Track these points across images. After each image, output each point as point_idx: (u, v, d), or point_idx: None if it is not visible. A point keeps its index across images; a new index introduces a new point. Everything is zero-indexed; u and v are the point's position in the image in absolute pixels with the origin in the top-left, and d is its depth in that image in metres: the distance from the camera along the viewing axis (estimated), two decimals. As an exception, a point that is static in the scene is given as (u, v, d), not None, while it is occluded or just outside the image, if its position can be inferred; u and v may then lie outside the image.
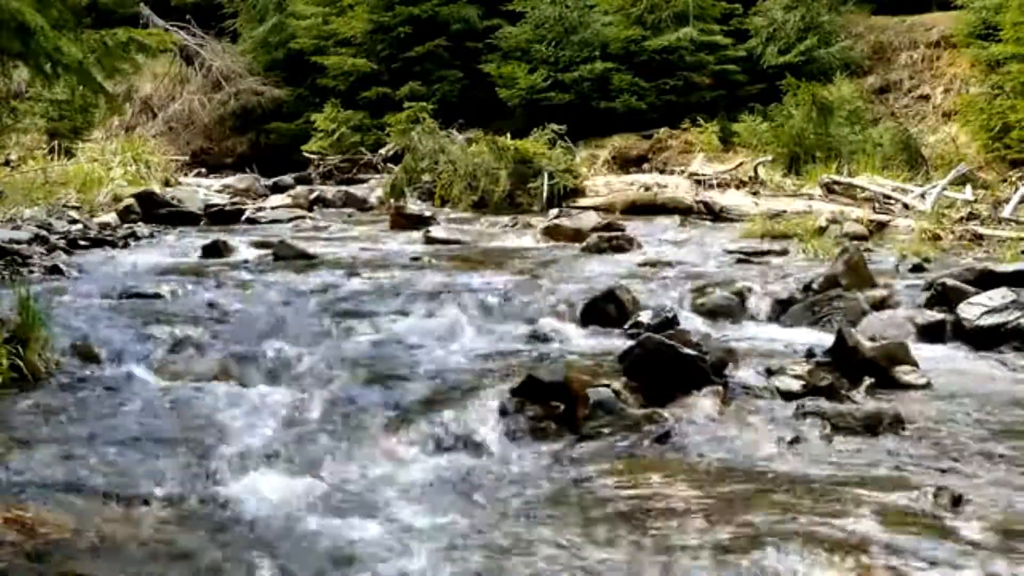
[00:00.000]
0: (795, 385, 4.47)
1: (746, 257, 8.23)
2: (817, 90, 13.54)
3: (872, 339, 4.97)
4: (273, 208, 12.49)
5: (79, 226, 9.82)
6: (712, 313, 6.15)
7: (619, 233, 9.27)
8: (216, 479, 3.57)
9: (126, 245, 9.30)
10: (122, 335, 5.33)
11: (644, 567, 2.90)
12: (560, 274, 7.52)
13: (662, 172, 14.36)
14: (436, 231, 9.94)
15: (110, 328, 5.49)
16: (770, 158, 13.06)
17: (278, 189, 15.20)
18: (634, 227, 10.08)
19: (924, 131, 14.83)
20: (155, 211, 11.24)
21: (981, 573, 2.81)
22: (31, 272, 7.29)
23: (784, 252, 8.50)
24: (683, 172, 13.67)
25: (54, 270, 7.46)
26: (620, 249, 8.73)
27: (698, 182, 12.79)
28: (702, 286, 6.65)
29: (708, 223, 11.20)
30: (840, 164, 12.47)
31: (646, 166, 15.54)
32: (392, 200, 12.59)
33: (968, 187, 10.65)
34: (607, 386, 4.31)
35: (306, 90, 19.32)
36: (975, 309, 5.58)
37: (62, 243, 8.74)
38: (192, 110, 20.01)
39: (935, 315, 5.77)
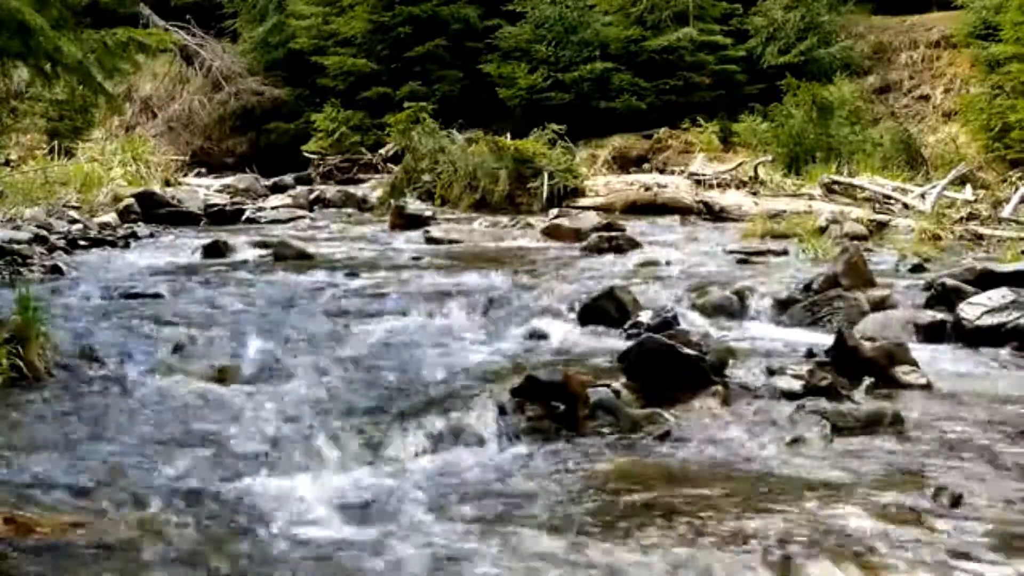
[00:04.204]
0: (795, 385, 4.46)
1: (746, 257, 8.23)
2: (817, 90, 13.55)
3: (872, 339, 4.97)
4: (273, 208, 12.48)
5: (79, 226, 9.81)
6: (712, 313, 6.15)
7: (619, 233, 9.26)
8: (216, 479, 3.57)
9: (126, 245, 9.29)
10: (122, 335, 5.33)
11: (644, 567, 2.90)
12: (560, 274, 7.52)
13: (662, 172, 14.35)
14: (436, 231, 9.94)
15: (110, 328, 5.49)
16: (770, 158, 13.06)
17: (278, 189, 15.19)
18: (634, 227, 10.08)
19: (924, 131, 14.84)
20: (155, 211, 11.23)
21: (981, 573, 2.82)
22: (31, 272, 7.29)
23: (784, 252, 8.50)
24: (683, 172, 13.66)
25: (54, 270, 7.46)
26: (620, 249, 8.72)
27: (698, 182, 12.79)
28: (702, 286, 6.65)
29: (708, 223, 11.20)
30: (840, 164, 12.48)
31: (646, 166, 15.54)
32: (392, 200, 12.57)
33: (968, 187, 10.67)
34: (607, 386, 4.32)
35: (306, 90, 19.31)
36: (975, 309, 5.58)
37: (62, 243, 8.74)
38: (192, 110, 20.01)
39: (935, 315, 5.77)
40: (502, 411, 4.13)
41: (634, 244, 8.96)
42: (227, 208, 12.08)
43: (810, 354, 4.96)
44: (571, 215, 10.97)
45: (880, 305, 6.06)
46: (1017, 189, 10.39)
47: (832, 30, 17.04)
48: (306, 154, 17.76)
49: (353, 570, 2.93)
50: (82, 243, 9.05)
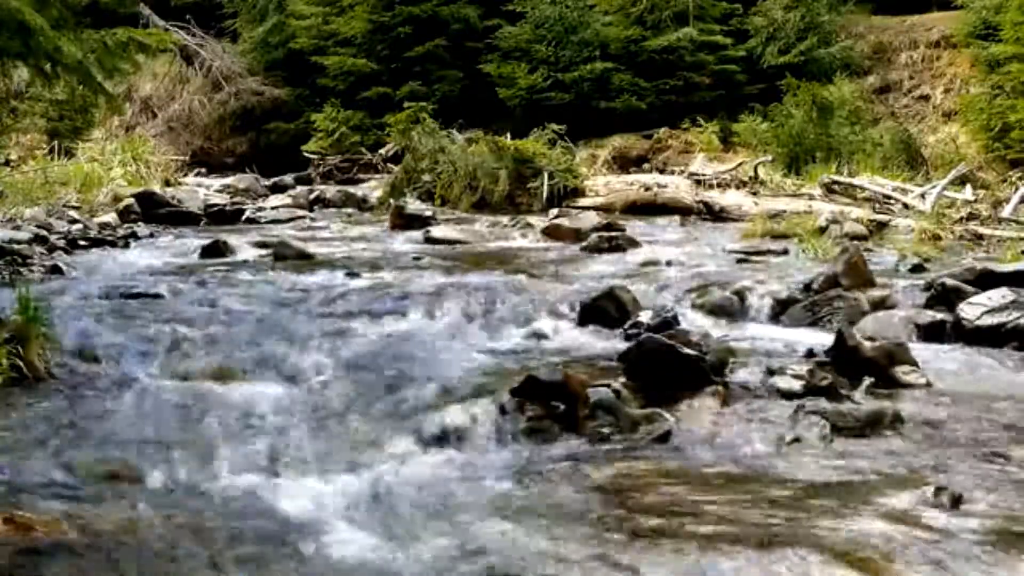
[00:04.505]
0: (795, 385, 4.46)
1: (746, 257, 8.22)
2: (817, 90, 13.54)
3: (872, 339, 4.97)
4: (273, 208, 12.48)
5: (79, 226, 9.81)
6: (712, 313, 6.15)
7: (619, 233, 9.26)
8: (216, 479, 3.58)
9: (126, 245, 9.29)
10: (122, 335, 5.33)
11: (644, 567, 2.90)
12: (560, 274, 7.52)
13: (662, 172, 14.34)
14: (436, 231, 9.94)
15: (110, 328, 5.49)
16: (770, 158, 13.05)
17: (278, 189, 15.19)
18: (634, 227, 10.08)
19: (924, 131, 14.84)
20: (155, 211, 11.23)
21: (981, 573, 2.81)
22: (31, 272, 7.29)
23: (784, 252, 8.50)
24: (683, 172, 13.65)
25: (54, 270, 7.46)
26: (620, 249, 8.72)
27: (698, 182, 12.78)
28: (702, 286, 6.65)
29: (708, 223, 11.20)
30: (840, 164, 12.47)
31: (646, 166, 15.53)
32: (392, 200, 12.57)
33: (968, 187, 10.66)
34: (607, 386, 4.32)
35: (306, 90, 19.30)
36: (975, 309, 5.58)
37: (62, 243, 8.74)
38: (192, 110, 20.00)
39: (935, 315, 5.77)
40: (502, 411, 4.13)
41: (634, 244, 8.96)
42: (227, 208, 12.07)
43: (810, 354, 4.96)
44: (571, 215, 10.96)
45: (880, 305, 6.06)
46: (1017, 189, 10.38)
47: (832, 30, 17.03)
48: (306, 154, 17.76)
49: (352, 570, 2.93)
50: (82, 243, 9.04)
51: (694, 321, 5.94)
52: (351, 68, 18.36)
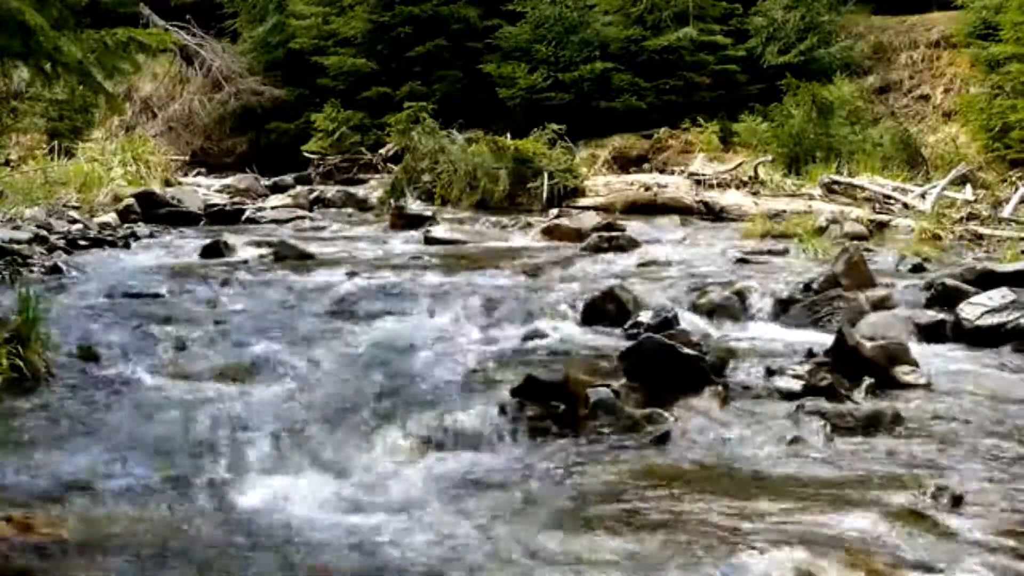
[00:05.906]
0: (795, 385, 4.47)
1: (746, 257, 8.22)
2: (817, 90, 13.53)
3: (872, 339, 4.97)
4: (273, 208, 12.46)
5: (79, 226, 9.80)
6: (712, 313, 6.14)
7: (619, 233, 9.26)
8: (216, 479, 3.58)
9: (126, 245, 9.29)
10: (122, 335, 5.34)
11: (643, 567, 2.90)
12: (560, 274, 7.52)
13: (662, 172, 14.32)
14: (436, 231, 9.93)
15: (110, 328, 5.49)
16: (770, 158, 13.05)
17: (278, 189, 15.18)
18: (634, 227, 10.07)
19: (924, 131, 14.83)
20: (155, 211, 11.22)
21: (981, 573, 2.82)
22: (31, 272, 7.29)
23: (784, 252, 8.50)
24: (683, 172, 13.64)
25: (54, 270, 7.45)
26: (620, 249, 8.72)
27: (698, 182, 12.77)
28: (702, 286, 6.65)
29: (708, 223, 11.19)
30: (840, 164, 12.46)
31: (646, 166, 15.51)
32: (392, 200, 12.56)
33: (968, 187, 10.65)
34: (607, 386, 4.32)
35: (306, 90, 19.28)
36: (975, 309, 5.58)
37: (62, 243, 8.73)
38: (192, 110, 19.98)
39: (935, 315, 5.77)
40: (502, 411, 4.14)
41: (634, 244, 8.95)
42: (227, 208, 12.07)
43: (810, 354, 4.96)
44: (571, 215, 10.96)
45: (880, 305, 6.06)
46: (1017, 189, 10.38)
47: (832, 30, 17.00)
48: (306, 154, 17.74)
49: (351, 570, 2.93)
50: (82, 243, 9.03)
51: (694, 321, 5.93)
52: (351, 68, 18.35)
